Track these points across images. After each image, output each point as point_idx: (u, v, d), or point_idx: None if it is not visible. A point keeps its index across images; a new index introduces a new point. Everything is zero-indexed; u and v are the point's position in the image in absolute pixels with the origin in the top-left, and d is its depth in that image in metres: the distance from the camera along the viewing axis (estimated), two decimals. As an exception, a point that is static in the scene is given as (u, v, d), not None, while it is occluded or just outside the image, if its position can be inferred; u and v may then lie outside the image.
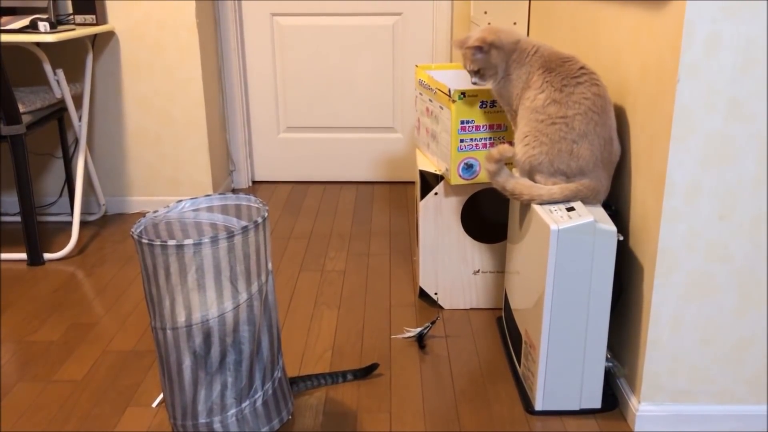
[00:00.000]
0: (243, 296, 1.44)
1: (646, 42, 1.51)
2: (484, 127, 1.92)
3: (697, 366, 1.55)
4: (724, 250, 1.46)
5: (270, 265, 1.52)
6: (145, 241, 1.37)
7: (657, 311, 1.51)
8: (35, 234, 2.53)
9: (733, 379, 1.56)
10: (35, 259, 2.55)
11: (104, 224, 2.96)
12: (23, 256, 2.57)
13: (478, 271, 2.13)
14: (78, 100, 2.84)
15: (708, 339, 1.53)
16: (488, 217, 2.12)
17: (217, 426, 1.50)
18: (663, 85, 1.42)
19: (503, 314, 2.05)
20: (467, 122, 1.90)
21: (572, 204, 1.58)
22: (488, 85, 1.75)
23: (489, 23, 2.71)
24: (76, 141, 2.83)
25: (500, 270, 2.12)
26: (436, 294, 2.16)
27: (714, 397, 1.57)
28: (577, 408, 1.65)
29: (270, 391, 1.56)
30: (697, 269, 1.48)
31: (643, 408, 1.58)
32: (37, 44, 2.52)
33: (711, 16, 1.32)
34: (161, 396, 1.74)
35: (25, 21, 2.46)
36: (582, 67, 1.61)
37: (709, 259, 1.47)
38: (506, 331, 1.97)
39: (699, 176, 1.41)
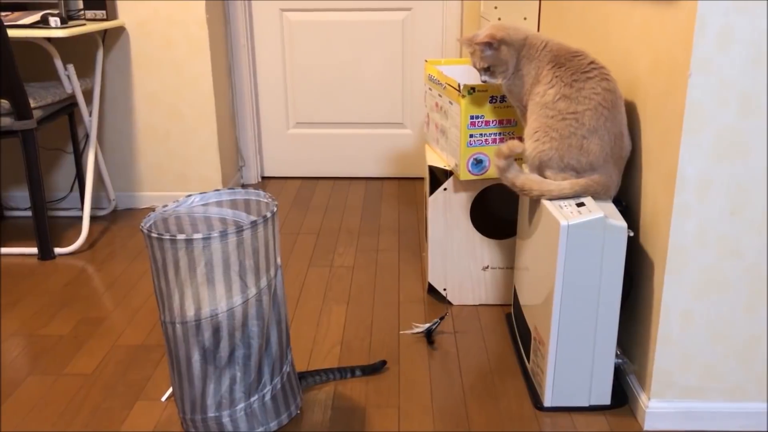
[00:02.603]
0: (252, 291, 1.44)
1: (658, 36, 1.50)
2: (494, 123, 1.91)
3: (708, 363, 1.54)
4: (736, 246, 1.45)
5: (279, 260, 1.52)
6: (154, 235, 1.38)
7: (667, 307, 1.50)
8: (46, 229, 2.54)
9: (744, 376, 1.54)
10: (46, 254, 2.56)
11: (114, 219, 2.97)
12: (34, 250, 2.59)
13: (487, 267, 2.12)
14: (88, 96, 2.85)
15: (719, 335, 1.52)
16: (497, 213, 2.12)
17: (225, 420, 1.51)
18: (674, 79, 1.41)
19: (512, 310, 2.04)
20: (477, 117, 1.89)
21: (582, 199, 1.57)
22: (498, 82, 1.74)
23: (499, 18, 2.70)
24: (87, 136, 2.84)
25: (509, 266, 2.12)
26: (444, 290, 2.16)
27: (724, 394, 1.56)
28: (586, 404, 1.64)
29: (279, 386, 1.57)
30: (708, 265, 1.47)
31: (652, 405, 1.57)
32: (48, 39, 2.53)
33: (723, 10, 1.30)
34: (170, 390, 1.75)
35: (35, 16, 2.48)
36: (592, 62, 1.60)
37: (720, 254, 1.46)
38: (515, 328, 1.96)
39: (710, 171, 1.40)
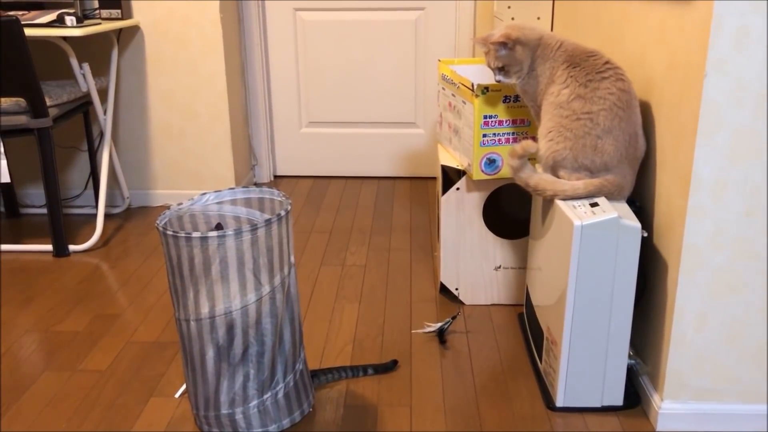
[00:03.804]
0: (266, 289, 1.45)
1: (673, 37, 1.49)
2: (507, 122, 1.91)
3: (722, 364, 1.53)
4: (751, 248, 1.44)
5: (292, 258, 1.53)
6: (169, 232, 1.39)
7: (681, 308, 1.50)
8: (61, 226, 2.56)
9: (758, 378, 1.54)
10: (60, 251, 2.59)
11: (128, 217, 2.99)
12: (49, 247, 2.61)
13: (500, 267, 2.12)
14: (103, 94, 2.87)
15: (733, 337, 1.51)
16: (510, 212, 2.11)
17: (239, 417, 1.52)
18: (690, 80, 1.41)
19: (524, 311, 2.04)
20: (490, 117, 1.89)
21: (596, 200, 1.57)
22: (512, 82, 1.74)
23: (512, 18, 2.70)
24: (101, 134, 2.86)
25: (522, 266, 2.11)
26: (457, 289, 2.16)
27: (739, 396, 1.56)
28: (598, 405, 1.64)
29: (291, 384, 1.57)
30: (723, 266, 1.46)
31: (665, 406, 1.57)
32: (64, 38, 2.55)
33: (740, 11, 1.30)
34: (184, 386, 1.76)
35: (52, 15, 2.50)
36: (607, 62, 1.60)
37: (735, 256, 1.45)
38: (527, 328, 1.96)
39: (726, 172, 1.40)
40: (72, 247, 2.62)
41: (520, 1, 2.69)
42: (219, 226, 1.58)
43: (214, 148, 3.04)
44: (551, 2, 2.69)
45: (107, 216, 2.98)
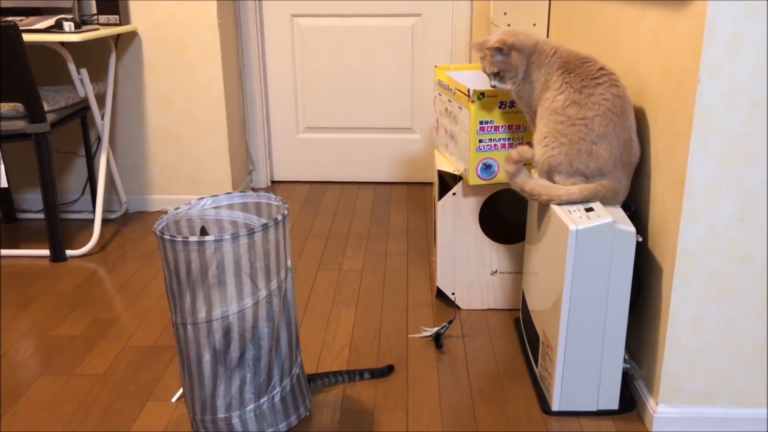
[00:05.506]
0: (262, 293, 1.46)
1: (667, 42, 1.51)
2: (503, 128, 1.92)
3: (717, 368, 1.54)
4: (745, 252, 1.45)
5: (289, 263, 1.54)
6: (167, 237, 1.39)
7: (676, 312, 1.51)
8: (58, 231, 2.56)
9: (752, 381, 1.54)
10: (58, 256, 2.59)
11: (125, 222, 2.99)
12: (46, 252, 2.61)
13: (496, 272, 2.13)
14: (101, 99, 2.88)
15: (728, 341, 1.52)
16: (506, 217, 2.12)
17: (235, 421, 1.52)
18: (684, 85, 1.42)
19: (521, 315, 2.05)
20: (486, 123, 1.90)
21: (591, 204, 1.58)
22: (507, 87, 1.75)
23: (508, 24, 2.72)
24: (99, 139, 2.87)
25: (518, 271, 2.12)
26: (453, 294, 2.16)
27: (733, 399, 1.56)
28: (594, 409, 1.65)
29: (288, 388, 1.58)
30: (717, 270, 1.47)
31: (660, 410, 1.57)
32: (62, 44, 2.56)
33: (733, 16, 1.31)
34: (181, 391, 1.76)
35: (50, 21, 2.51)
36: (601, 68, 1.61)
37: (729, 260, 1.46)
38: (523, 332, 1.97)
39: (719, 177, 1.41)
40: (69, 252, 2.62)
41: (517, 3, 2.70)
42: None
43: (211, 153, 3.05)
44: (547, 9, 2.71)
45: (104, 221, 2.98)
